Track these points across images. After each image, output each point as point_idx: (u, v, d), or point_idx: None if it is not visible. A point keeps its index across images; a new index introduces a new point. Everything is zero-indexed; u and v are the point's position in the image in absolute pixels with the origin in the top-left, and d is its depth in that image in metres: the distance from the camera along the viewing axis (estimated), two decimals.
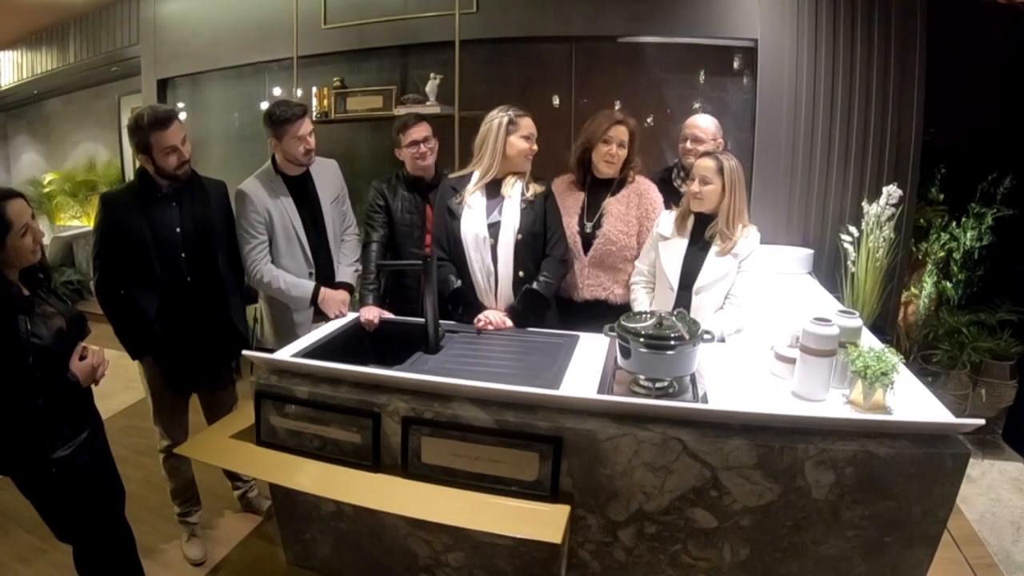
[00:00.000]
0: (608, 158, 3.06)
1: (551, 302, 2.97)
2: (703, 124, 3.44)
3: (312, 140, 3.13)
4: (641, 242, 3.12)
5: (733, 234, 2.76)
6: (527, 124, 2.90)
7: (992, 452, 4.10)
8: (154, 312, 2.89)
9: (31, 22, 7.43)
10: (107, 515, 2.45)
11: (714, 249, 2.78)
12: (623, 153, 3.07)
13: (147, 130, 2.74)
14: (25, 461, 2.20)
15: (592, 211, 3.16)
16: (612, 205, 3.12)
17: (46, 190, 9.52)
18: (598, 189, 3.18)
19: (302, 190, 3.25)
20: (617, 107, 4.48)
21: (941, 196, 4.74)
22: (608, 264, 3.13)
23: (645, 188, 3.16)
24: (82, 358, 2.26)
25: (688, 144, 3.41)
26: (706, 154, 2.82)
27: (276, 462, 2.30)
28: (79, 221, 9.32)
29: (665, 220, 2.95)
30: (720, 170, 2.72)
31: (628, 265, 3.14)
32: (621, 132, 3.05)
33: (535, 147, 2.92)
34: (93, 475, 2.35)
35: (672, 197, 3.24)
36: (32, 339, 2.09)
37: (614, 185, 3.16)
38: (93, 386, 2.34)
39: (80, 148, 9.59)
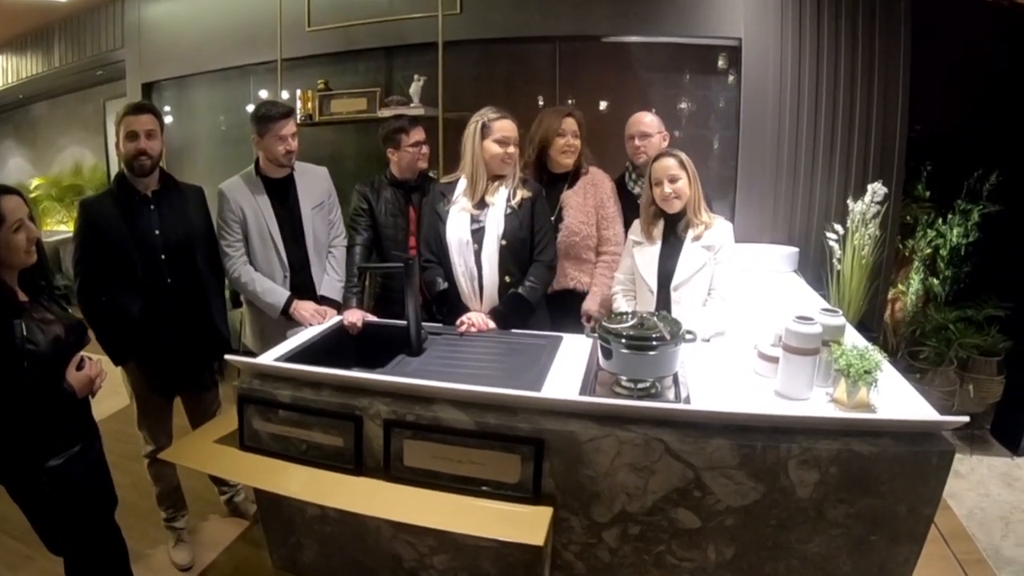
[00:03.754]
0: (566, 148, 3.20)
1: (535, 307, 2.95)
2: (648, 120, 3.44)
3: (294, 143, 3.15)
4: (601, 229, 3.23)
5: (700, 218, 2.81)
6: (501, 127, 2.87)
7: (981, 447, 4.12)
8: (137, 315, 2.88)
9: (15, 26, 7.40)
10: (98, 526, 2.42)
11: (688, 241, 2.80)
12: (577, 143, 3.20)
13: (121, 115, 2.84)
14: (16, 470, 2.17)
15: (551, 206, 3.21)
16: (570, 198, 3.23)
17: (32, 195, 9.46)
18: (554, 184, 3.27)
19: (283, 194, 3.25)
20: (602, 107, 4.51)
21: (927, 193, 4.76)
22: (573, 255, 3.22)
23: (599, 179, 3.29)
24: (80, 368, 2.23)
25: (636, 142, 3.40)
26: (661, 155, 2.84)
27: (260, 466, 2.29)
28: (65, 226, 9.27)
29: (635, 226, 2.98)
30: (682, 164, 2.77)
31: (591, 254, 3.25)
32: (572, 124, 3.21)
33: (511, 150, 2.88)
34: (86, 486, 2.32)
35: (628, 202, 3.32)
36: (27, 345, 2.05)
37: (569, 178, 3.27)
38: (90, 397, 2.31)
39: (66, 152, 9.54)
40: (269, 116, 3.10)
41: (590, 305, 3.19)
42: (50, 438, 2.18)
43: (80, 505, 2.29)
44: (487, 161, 2.89)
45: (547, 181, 3.26)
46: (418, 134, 3.31)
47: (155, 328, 2.92)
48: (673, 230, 2.84)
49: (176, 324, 2.97)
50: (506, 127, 2.87)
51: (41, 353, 2.08)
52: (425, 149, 3.36)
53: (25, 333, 2.05)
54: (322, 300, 3.24)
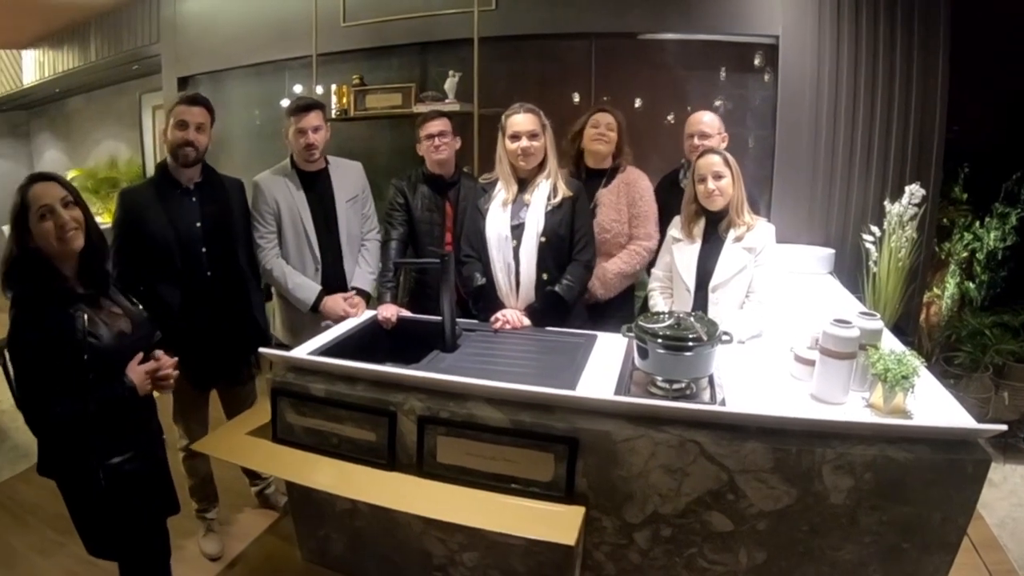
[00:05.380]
0: (597, 137, 3.20)
1: (571, 306, 2.93)
2: (708, 120, 3.42)
3: (315, 137, 3.15)
4: (632, 227, 3.21)
5: (743, 219, 2.78)
6: (512, 123, 2.85)
7: (1014, 456, 4.05)
8: (176, 306, 2.87)
9: (53, 21, 7.51)
10: (149, 530, 2.32)
11: (728, 241, 2.78)
12: (612, 135, 3.20)
13: (174, 103, 2.85)
14: (73, 465, 2.10)
15: None
16: (604, 196, 3.23)
17: None
18: (591, 181, 3.26)
19: (317, 186, 3.27)
20: (637, 105, 4.49)
21: (964, 195, 4.69)
22: (603, 251, 3.20)
23: (635, 177, 3.25)
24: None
25: (695, 141, 3.38)
26: (706, 152, 2.84)
27: (292, 459, 2.31)
28: (100, 218, 9.37)
29: (676, 224, 2.96)
30: (727, 162, 2.75)
31: (621, 251, 3.22)
32: (604, 117, 3.22)
33: (525, 144, 2.83)
34: (145, 489, 2.24)
35: (679, 198, 3.26)
36: (89, 339, 1.99)
37: (606, 176, 3.26)
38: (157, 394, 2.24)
39: (102, 146, 9.67)
40: (290, 109, 3.17)
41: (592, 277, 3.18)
42: (111, 435, 2.11)
43: (135, 507, 2.21)
44: (509, 159, 2.90)
45: (584, 178, 3.25)
46: (433, 126, 3.26)
47: (194, 320, 2.91)
48: (714, 229, 2.81)
49: (216, 316, 2.97)
50: (517, 122, 2.84)
51: (103, 348, 2.02)
52: (439, 141, 3.27)
53: (87, 326, 2.00)
54: (353, 292, 3.26)
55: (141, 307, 2.27)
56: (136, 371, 2.12)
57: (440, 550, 2.38)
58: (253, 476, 3.54)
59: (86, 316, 2.01)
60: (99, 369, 2.02)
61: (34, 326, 1.94)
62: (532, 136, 2.83)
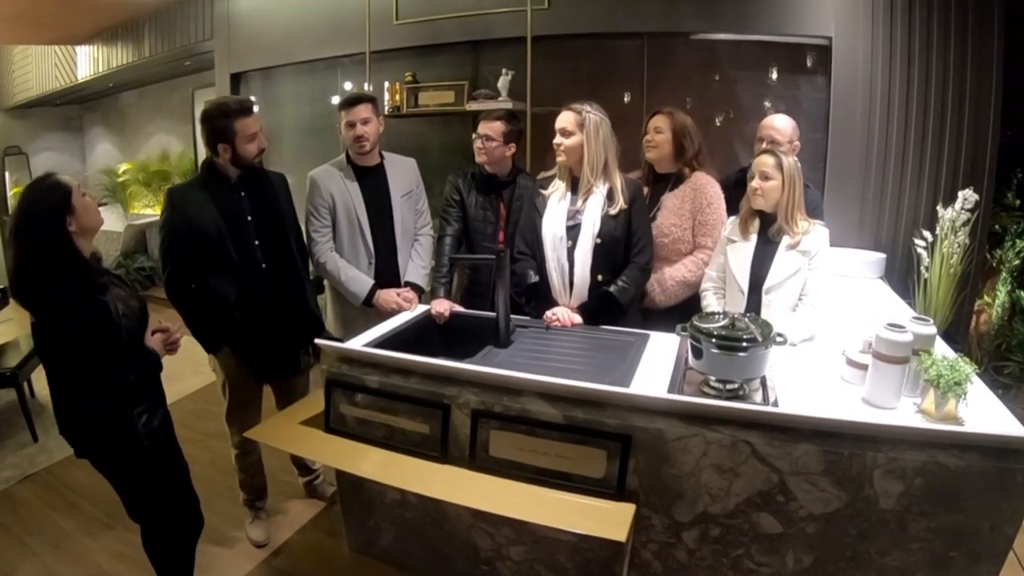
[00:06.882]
0: (646, 144, 3.20)
1: (625, 307, 2.90)
2: (779, 125, 3.36)
3: (364, 129, 3.21)
4: (698, 236, 3.16)
5: (796, 227, 2.75)
6: (557, 120, 2.88)
7: None
8: (233, 300, 2.91)
9: (108, 18, 7.64)
10: (181, 486, 2.56)
11: (782, 246, 2.75)
12: (660, 138, 3.16)
13: (233, 116, 2.81)
14: (119, 436, 2.27)
15: (651, 206, 3.19)
16: (668, 200, 3.18)
17: (120, 179, 9.84)
18: (659, 185, 3.26)
19: (373, 181, 3.32)
20: (688, 105, 4.45)
21: (1017, 202, 4.61)
22: (661, 256, 3.16)
23: (702, 183, 3.16)
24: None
25: (764, 145, 3.28)
26: (765, 151, 2.81)
27: (344, 449, 2.35)
28: (152, 210, 9.60)
29: (732, 224, 2.93)
30: (779, 166, 2.71)
31: (682, 258, 3.18)
32: (655, 120, 3.18)
33: (557, 140, 2.88)
34: (170, 447, 2.50)
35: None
36: (122, 320, 2.18)
37: (672, 180, 3.21)
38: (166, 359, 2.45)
39: (154, 139, 9.85)
40: (340, 103, 3.25)
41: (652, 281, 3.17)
42: (145, 403, 2.32)
43: (168, 464, 2.45)
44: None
45: (653, 181, 3.28)
46: (481, 128, 3.27)
47: (251, 313, 2.94)
48: (767, 232, 2.80)
49: (272, 308, 2.99)
50: (559, 119, 2.88)
51: (132, 328, 2.23)
52: (480, 144, 3.27)
53: (119, 309, 2.19)
54: (406, 286, 3.30)
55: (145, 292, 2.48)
56: (154, 341, 2.37)
57: (487, 544, 2.41)
58: (302, 468, 3.58)
59: (118, 300, 2.21)
60: (131, 346, 2.24)
61: (78, 314, 2.11)
62: (562, 133, 2.86)
